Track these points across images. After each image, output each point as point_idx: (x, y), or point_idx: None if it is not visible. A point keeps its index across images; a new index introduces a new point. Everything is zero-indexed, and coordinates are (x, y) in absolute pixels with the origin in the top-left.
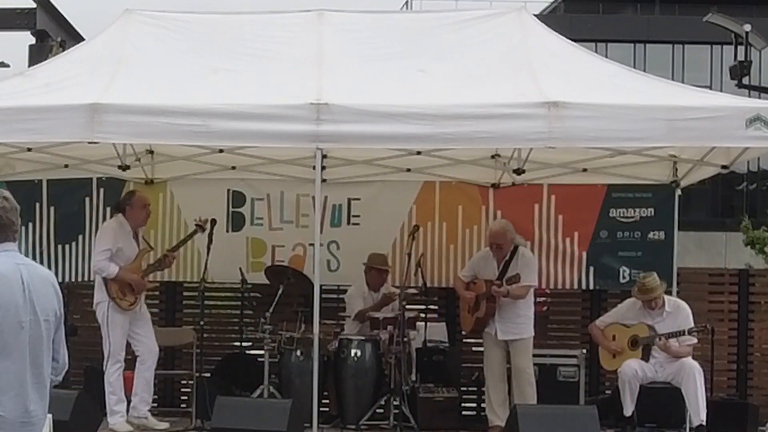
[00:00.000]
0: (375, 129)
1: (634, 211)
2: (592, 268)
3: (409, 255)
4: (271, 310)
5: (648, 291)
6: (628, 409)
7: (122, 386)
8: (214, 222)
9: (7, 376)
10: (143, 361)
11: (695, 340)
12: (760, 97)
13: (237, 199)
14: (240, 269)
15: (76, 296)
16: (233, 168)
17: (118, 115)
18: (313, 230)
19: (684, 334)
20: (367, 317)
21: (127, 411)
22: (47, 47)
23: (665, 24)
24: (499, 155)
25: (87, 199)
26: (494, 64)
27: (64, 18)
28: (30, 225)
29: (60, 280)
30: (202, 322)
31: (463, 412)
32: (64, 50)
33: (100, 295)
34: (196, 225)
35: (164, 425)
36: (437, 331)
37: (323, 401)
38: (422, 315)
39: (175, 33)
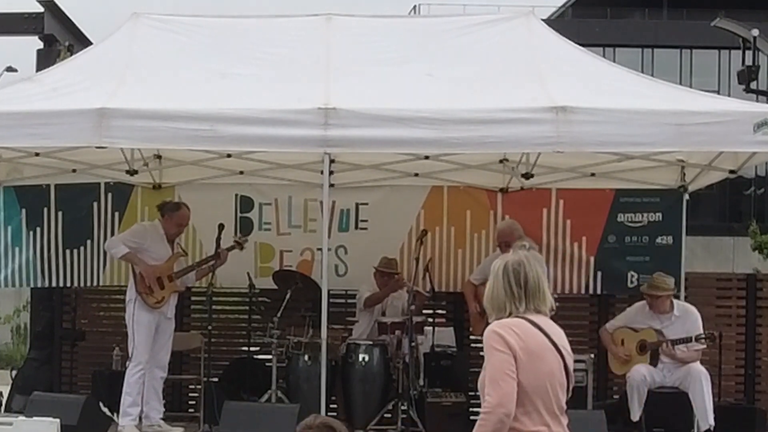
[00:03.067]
0: (383, 133)
1: (642, 216)
2: (600, 273)
3: (417, 259)
4: (279, 314)
5: (655, 288)
6: (636, 414)
7: (140, 390)
8: (222, 227)
9: None
10: (150, 371)
11: (703, 346)
12: None
13: (245, 203)
14: (248, 274)
15: (83, 301)
16: (241, 173)
17: (125, 120)
18: (321, 235)
19: (691, 341)
20: (373, 303)
21: (139, 418)
22: (55, 52)
23: (673, 29)
24: (507, 160)
25: (95, 204)
26: (502, 68)
27: (72, 22)
28: (38, 230)
29: (68, 285)
30: (210, 327)
31: (471, 417)
32: (72, 54)
33: (129, 294)
34: (235, 242)
35: (178, 430)
36: (445, 336)
37: (331, 406)
38: (430, 320)
39: (183, 37)
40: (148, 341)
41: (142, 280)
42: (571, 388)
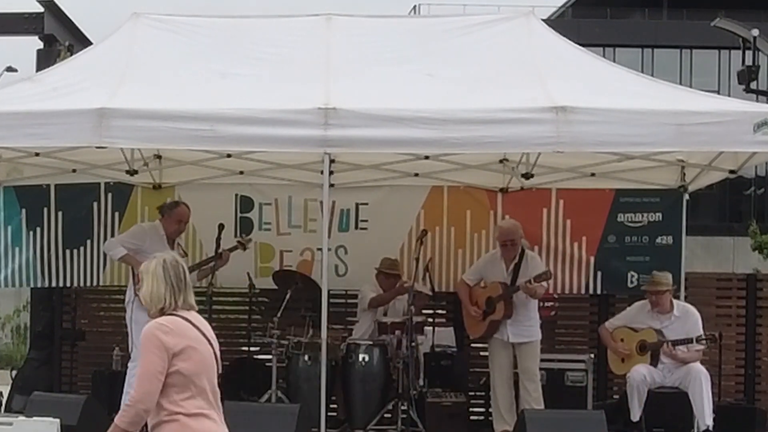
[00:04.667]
0: (383, 133)
1: (642, 216)
2: (600, 273)
3: (417, 259)
4: (279, 314)
5: (656, 284)
6: (636, 414)
7: None
8: (222, 227)
9: None
10: None
11: (703, 347)
12: None
13: (245, 203)
14: (248, 274)
15: (83, 301)
16: (241, 173)
17: (125, 120)
18: (321, 235)
19: (691, 342)
20: (378, 304)
21: None
22: (55, 52)
23: (673, 29)
24: (507, 160)
25: (95, 204)
26: (502, 68)
27: (72, 22)
28: (38, 230)
29: (68, 285)
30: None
31: (471, 417)
32: (72, 54)
33: (129, 294)
34: (238, 242)
35: None
36: (445, 336)
37: (331, 406)
38: (430, 320)
39: (183, 37)
40: None
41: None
42: (219, 374)
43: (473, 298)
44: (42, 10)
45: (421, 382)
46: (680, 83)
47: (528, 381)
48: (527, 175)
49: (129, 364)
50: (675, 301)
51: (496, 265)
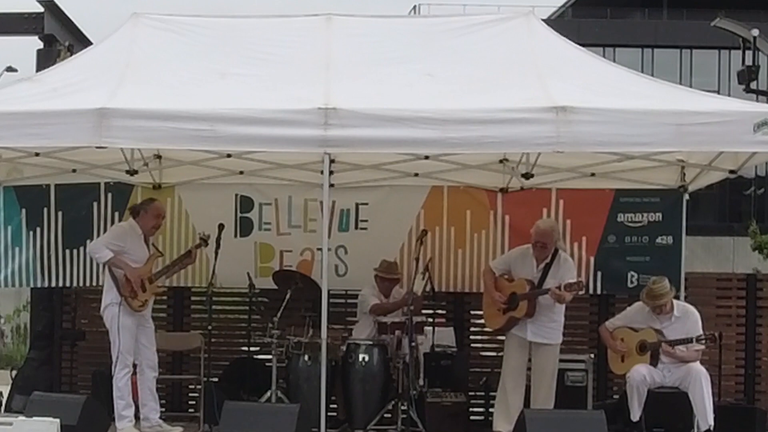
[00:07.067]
0: (383, 133)
1: (642, 216)
2: (600, 273)
3: (417, 260)
4: (278, 314)
5: (656, 297)
6: (636, 414)
7: (130, 391)
8: (222, 227)
9: None
10: (142, 372)
11: (703, 347)
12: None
13: (245, 203)
14: (248, 274)
15: (83, 301)
16: (241, 173)
17: (125, 120)
18: (321, 235)
19: (691, 342)
20: (380, 313)
21: (136, 417)
22: (55, 52)
23: (673, 29)
24: (507, 160)
25: (95, 204)
26: (502, 68)
27: (72, 22)
28: (38, 230)
29: (68, 285)
30: (210, 327)
31: (471, 417)
32: (72, 54)
33: (109, 297)
34: (201, 239)
35: (178, 430)
36: (445, 336)
37: (331, 406)
38: (430, 320)
39: (183, 37)
40: (132, 344)
41: (128, 283)
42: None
43: (497, 289)
44: (42, 10)
45: (421, 382)
46: (680, 83)
47: (541, 382)
48: (527, 175)
49: (115, 368)
50: (675, 302)
51: (527, 260)
